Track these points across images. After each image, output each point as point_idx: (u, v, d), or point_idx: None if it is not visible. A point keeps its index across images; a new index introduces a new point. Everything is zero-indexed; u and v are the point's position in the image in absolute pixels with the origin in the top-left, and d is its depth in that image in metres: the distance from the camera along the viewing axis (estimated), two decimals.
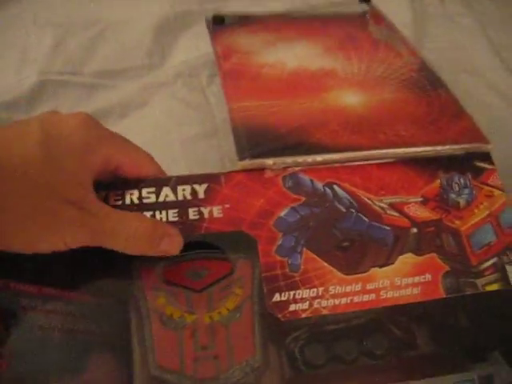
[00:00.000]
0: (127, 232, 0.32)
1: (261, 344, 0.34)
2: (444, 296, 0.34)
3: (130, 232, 0.32)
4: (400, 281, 0.35)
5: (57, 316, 0.36)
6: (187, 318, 0.34)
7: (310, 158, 0.37)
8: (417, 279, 0.35)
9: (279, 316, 0.33)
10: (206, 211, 0.35)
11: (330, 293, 0.34)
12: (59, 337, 0.36)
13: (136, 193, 0.35)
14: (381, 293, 0.34)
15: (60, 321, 0.36)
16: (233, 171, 0.37)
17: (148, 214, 0.35)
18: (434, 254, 0.35)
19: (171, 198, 0.36)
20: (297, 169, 0.37)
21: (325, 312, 0.34)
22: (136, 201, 0.35)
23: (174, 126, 0.40)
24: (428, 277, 0.35)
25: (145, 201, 0.35)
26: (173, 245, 0.33)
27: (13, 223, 0.29)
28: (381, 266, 0.35)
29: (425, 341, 0.38)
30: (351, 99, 0.42)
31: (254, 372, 0.34)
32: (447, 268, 0.35)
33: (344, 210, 0.36)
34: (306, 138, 0.39)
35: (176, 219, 0.35)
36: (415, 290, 0.34)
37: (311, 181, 0.37)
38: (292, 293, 0.34)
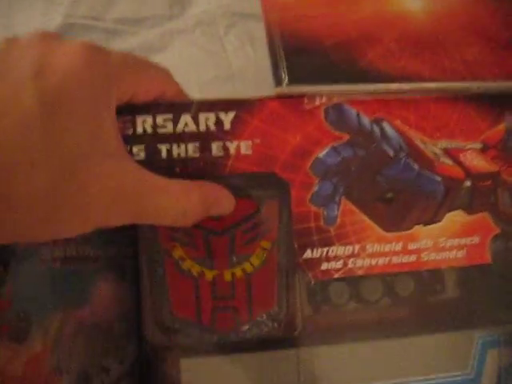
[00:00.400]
0: (175, 213, 0.27)
1: (283, 294, 0.32)
2: (490, 262, 0.31)
3: (179, 212, 0.27)
4: (445, 242, 0.31)
5: (58, 246, 0.33)
6: (207, 275, 0.30)
7: (359, 87, 0.31)
8: (463, 241, 0.31)
9: (310, 275, 0.30)
10: (232, 146, 0.30)
11: (367, 251, 0.30)
12: (62, 268, 0.33)
13: (149, 120, 0.29)
14: (422, 255, 0.31)
15: (62, 251, 0.33)
16: (267, 97, 0.30)
17: (163, 147, 0.29)
18: (486, 214, 0.31)
19: (191, 128, 0.30)
20: (342, 99, 0.31)
21: (359, 273, 0.30)
22: (149, 129, 0.29)
23: (193, 70, 0.41)
24: (476, 239, 0.31)
25: (160, 130, 0.29)
26: (224, 208, 0.29)
27: (24, 210, 0.23)
28: (426, 224, 0.31)
29: (453, 288, 0.35)
30: (413, 3, 0.34)
31: (275, 324, 0.32)
32: (498, 230, 0.31)
33: (392, 154, 0.31)
34: (355, 56, 0.32)
35: (196, 155, 0.29)
36: (460, 254, 0.31)
37: (358, 115, 0.31)
38: (325, 249, 0.30)
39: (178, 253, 0.30)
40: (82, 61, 0.24)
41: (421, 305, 0.36)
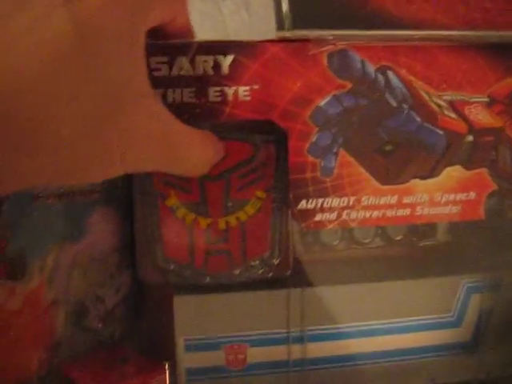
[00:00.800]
0: (199, 162, 0.27)
1: (276, 240, 0.32)
2: (483, 218, 0.31)
3: (202, 161, 0.27)
4: (440, 196, 0.31)
5: None
6: (201, 223, 0.30)
7: (367, 33, 0.29)
8: (459, 196, 0.31)
9: (302, 225, 0.30)
10: (230, 92, 0.29)
11: (362, 204, 0.30)
12: (57, 203, 0.33)
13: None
14: (417, 208, 0.31)
15: (57, 187, 0.32)
16: (268, 41, 0.29)
17: (157, 92, 0.28)
18: (484, 170, 0.31)
19: (188, 71, 0.28)
20: (348, 45, 0.29)
21: (353, 225, 0.31)
22: None
23: None
24: (472, 195, 0.31)
25: (155, 74, 0.28)
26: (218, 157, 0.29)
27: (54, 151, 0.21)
28: (423, 178, 0.31)
29: (443, 234, 0.36)
30: None
31: (267, 268, 0.32)
32: (495, 187, 0.31)
33: (395, 105, 0.30)
34: None
35: (193, 100, 0.28)
36: (454, 209, 0.31)
37: (362, 62, 0.30)
38: (320, 200, 0.30)
39: (172, 201, 0.30)
40: None
41: (411, 248, 0.36)
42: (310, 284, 0.35)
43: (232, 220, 0.30)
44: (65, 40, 0.20)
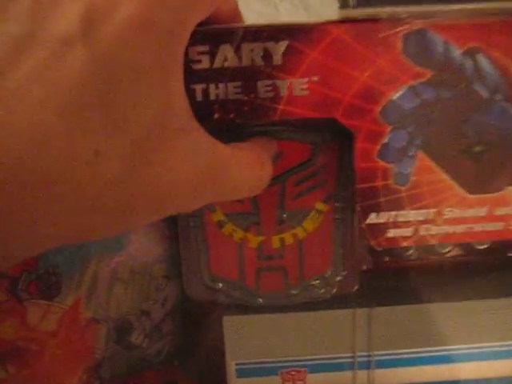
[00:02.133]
0: (252, 183, 0.23)
1: (339, 257, 0.28)
2: None
3: (255, 181, 0.23)
4: None
5: None
6: (251, 241, 0.26)
7: (451, 7, 0.24)
8: None
9: (372, 243, 0.25)
10: (283, 86, 0.24)
11: (445, 217, 0.25)
12: None
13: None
14: (511, 222, 0.25)
15: None
16: (329, 22, 0.24)
17: (198, 87, 0.24)
18: None
19: (233, 62, 0.24)
20: (427, 23, 0.24)
21: (433, 241, 0.25)
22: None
23: None
24: None
25: (194, 66, 0.24)
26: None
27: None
28: None
29: None
30: None
31: (328, 287, 0.28)
32: None
33: (486, 96, 0.24)
34: None
35: (239, 96, 0.24)
36: None
37: (446, 44, 0.24)
38: (394, 214, 0.25)
39: (218, 215, 0.26)
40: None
41: (496, 259, 0.31)
42: (378, 302, 0.31)
43: (288, 238, 0.26)
44: (84, 83, 0.17)
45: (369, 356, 0.30)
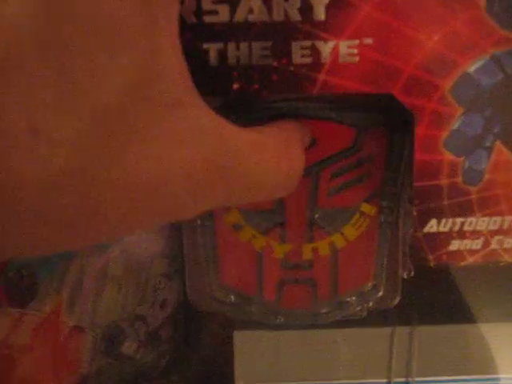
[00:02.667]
0: (275, 181, 0.17)
1: (383, 266, 0.22)
2: None
3: (280, 179, 0.17)
4: None
5: None
6: (276, 250, 0.20)
7: None
8: None
9: (429, 258, 0.20)
10: (326, 49, 0.18)
11: None
12: None
13: (192, 4, 0.18)
14: None
15: None
16: None
17: (213, 47, 0.18)
18: None
19: (260, 15, 0.18)
20: None
21: (506, 257, 0.20)
22: (192, 18, 0.18)
23: None
24: None
25: (208, 19, 0.18)
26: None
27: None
28: None
29: None
30: None
31: (366, 305, 0.23)
32: None
33: None
34: None
35: (268, 61, 0.18)
36: None
37: None
38: (460, 221, 0.19)
39: (233, 216, 0.20)
40: None
41: None
42: (421, 320, 0.25)
43: (322, 247, 0.21)
44: (22, 30, 0.11)
45: (407, 383, 0.25)
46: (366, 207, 0.21)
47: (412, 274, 0.24)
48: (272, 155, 0.17)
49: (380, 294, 0.23)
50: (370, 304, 0.23)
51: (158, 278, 0.29)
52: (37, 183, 0.12)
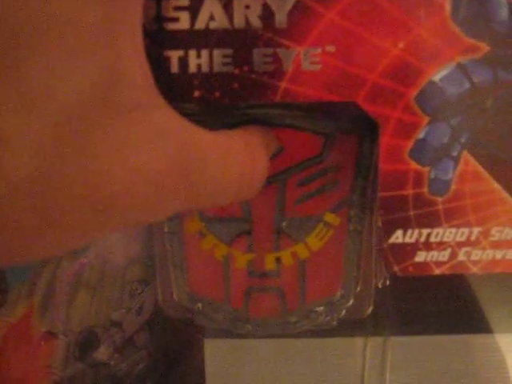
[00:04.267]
0: (240, 185, 0.17)
1: (353, 274, 0.22)
2: None
3: (244, 181, 0.17)
4: None
5: None
6: (238, 260, 0.20)
7: None
8: None
9: (395, 269, 0.20)
10: (288, 57, 0.18)
11: (492, 238, 0.19)
12: None
13: (152, 7, 0.17)
14: None
15: None
16: None
17: (174, 54, 0.18)
18: None
19: (220, 22, 0.18)
20: None
21: (475, 270, 0.20)
22: (152, 25, 0.18)
23: None
24: None
25: (169, 26, 0.18)
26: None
27: None
28: None
29: None
30: None
31: (335, 314, 0.22)
32: None
33: None
34: None
35: (229, 69, 0.18)
36: None
37: (511, 6, 0.18)
38: (426, 232, 0.19)
39: (196, 224, 0.20)
40: None
41: None
42: (394, 330, 0.25)
43: (286, 257, 0.20)
44: None
45: None
46: (330, 217, 0.20)
47: (387, 282, 0.24)
48: (236, 158, 0.17)
49: (350, 303, 0.22)
50: (342, 313, 0.23)
51: (134, 283, 0.29)
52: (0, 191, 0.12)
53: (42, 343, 0.25)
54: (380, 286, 0.24)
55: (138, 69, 0.14)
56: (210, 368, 0.25)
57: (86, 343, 0.27)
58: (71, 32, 0.12)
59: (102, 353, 0.28)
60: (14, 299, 0.24)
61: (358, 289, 0.23)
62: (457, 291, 0.26)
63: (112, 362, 0.28)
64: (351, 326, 0.25)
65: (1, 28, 0.11)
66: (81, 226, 0.14)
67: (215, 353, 0.24)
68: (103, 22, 0.13)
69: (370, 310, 0.23)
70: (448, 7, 0.18)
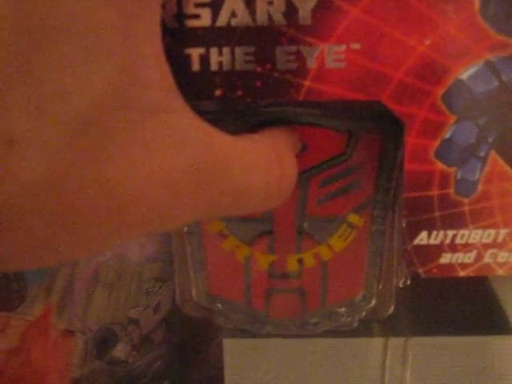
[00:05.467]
0: (263, 193, 0.16)
1: (375, 276, 0.22)
2: None
3: (271, 188, 0.16)
4: None
5: None
6: (260, 262, 0.20)
7: None
8: None
9: (420, 271, 0.19)
10: (311, 55, 0.17)
11: None
12: None
13: (173, 3, 0.17)
14: None
15: None
16: None
17: (195, 52, 0.17)
18: None
19: (243, 19, 0.17)
20: None
21: (500, 272, 0.19)
22: (173, 22, 0.17)
23: None
24: None
25: (189, 23, 0.17)
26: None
27: None
28: None
29: None
30: None
31: (357, 316, 0.22)
32: None
33: None
34: None
35: (251, 67, 0.18)
36: None
37: None
38: (451, 233, 0.19)
39: (218, 225, 0.20)
40: None
41: None
42: (415, 331, 0.25)
43: (308, 259, 0.20)
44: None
45: None
46: (353, 218, 0.20)
47: (408, 282, 0.23)
48: (262, 164, 0.17)
49: (372, 304, 0.22)
50: (363, 314, 0.23)
51: (151, 281, 0.28)
52: (11, 194, 0.12)
53: (60, 341, 0.25)
54: (401, 286, 0.23)
55: (157, 70, 0.14)
56: (228, 368, 0.25)
57: (104, 341, 0.27)
58: (88, 32, 0.12)
59: (119, 350, 0.28)
60: (33, 298, 0.24)
61: (380, 287, 0.22)
62: (478, 292, 0.26)
63: (129, 360, 0.28)
64: (371, 326, 0.24)
65: (16, 28, 0.11)
66: (94, 231, 0.13)
67: (234, 352, 0.24)
68: (121, 22, 0.13)
69: (391, 310, 0.23)
70: (477, 3, 0.17)
